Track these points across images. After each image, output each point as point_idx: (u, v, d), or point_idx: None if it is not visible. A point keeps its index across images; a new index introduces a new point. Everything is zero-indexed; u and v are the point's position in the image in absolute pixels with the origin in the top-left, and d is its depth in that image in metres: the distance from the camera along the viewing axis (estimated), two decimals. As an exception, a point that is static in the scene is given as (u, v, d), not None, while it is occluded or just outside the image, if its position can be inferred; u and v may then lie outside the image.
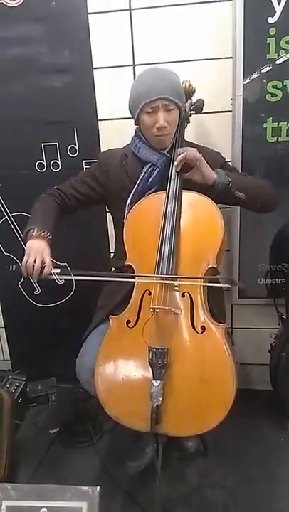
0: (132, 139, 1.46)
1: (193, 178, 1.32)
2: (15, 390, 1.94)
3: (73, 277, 1.30)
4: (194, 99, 1.49)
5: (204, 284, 1.27)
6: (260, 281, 1.85)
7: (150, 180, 1.40)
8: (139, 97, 1.33)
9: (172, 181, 1.33)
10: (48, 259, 1.28)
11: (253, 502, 1.43)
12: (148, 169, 1.40)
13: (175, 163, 1.33)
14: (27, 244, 1.31)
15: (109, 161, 1.47)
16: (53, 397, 2.02)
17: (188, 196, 1.33)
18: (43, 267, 1.26)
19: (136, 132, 1.45)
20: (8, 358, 2.20)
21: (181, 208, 1.32)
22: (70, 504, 1.04)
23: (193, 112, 1.49)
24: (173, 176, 1.34)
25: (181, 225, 1.30)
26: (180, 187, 1.33)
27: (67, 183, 1.51)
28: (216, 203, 1.39)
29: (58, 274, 1.28)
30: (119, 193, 1.43)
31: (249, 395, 1.89)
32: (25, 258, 1.28)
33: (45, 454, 1.69)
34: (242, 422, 1.70)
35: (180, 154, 1.31)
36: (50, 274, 1.27)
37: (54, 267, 1.28)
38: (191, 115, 1.49)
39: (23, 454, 1.69)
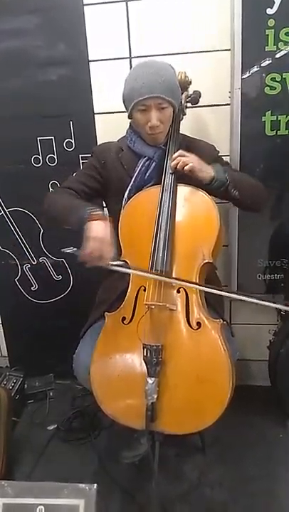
0: (127, 132, 1.44)
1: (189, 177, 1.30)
2: (12, 386, 1.94)
3: (130, 271, 1.22)
4: (191, 90, 1.47)
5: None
6: (259, 276, 1.83)
7: (147, 174, 1.38)
8: (131, 93, 1.30)
9: (167, 175, 1.31)
10: (109, 251, 1.17)
11: (251, 500, 1.43)
12: (145, 163, 1.38)
13: (170, 170, 1.31)
14: (91, 227, 1.17)
15: (106, 154, 1.45)
16: (51, 394, 2.01)
17: (183, 190, 1.31)
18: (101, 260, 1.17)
19: (130, 125, 1.43)
20: (6, 354, 2.20)
21: (176, 202, 1.30)
22: (67, 502, 1.03)
23: (189, 103, 1.46)
24: (168, 170, 1.32)
25: (176, 220, 1.29)
26: (175, 180, 1.31)
27: (71, 180, 1.46)
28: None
29: (113, 265, 1.19)
30: (117, 185, 1.42)
31: (248, 391, 1.88)
32: (88, 244, 1.15)
33: (42, 451, 1.68)
34: (241, 418, 1.70)
35: (173, 161, 1.29)
36: (107, 265, 1.18)
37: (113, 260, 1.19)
38: (187, 107, 1.46)
39: (20, 451, 1.68)
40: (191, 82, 1.47)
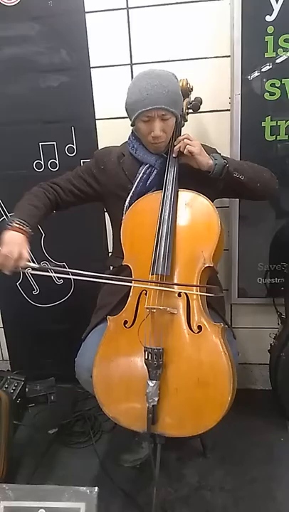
0: (129, 139, 1.45)
1: (189, 163, 1.32)
2: (14, 390, 1.93)
3: (51, 274, 1.24)
4: (192, 97, 1.48)
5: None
6: (260, 280, 1.84)
7: (149, 181, 1.39)
8: (135, 104, 1.30)
9: (168, 181, 1.33)
10: (25, 252, 1.23)
11: (252, 503, 1.43)
12: (146, 170, 1.39)
13: (173, 154, 1.35)
14: (4, 235, 1.26)
15: (106, 159, 1.46)
16: (52, 398, 2.01)
17: (184, 195, 1.33)
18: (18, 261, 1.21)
19: (132, 132, 1.44)
20: (7, 358, 2.20)
21: (177, 207, 1.31)
22: (68, 505, 1.04)
23: (191, 110, 1.48)
24: (169, 176, 1.33)
25: (177, 224, 1.30)
26: (176, 186, 1.32)
27: (64, 177, 1.49)
28: (218, 195, 1.40)
29: (33, 269, 1.24)
30: (117, 191, 1.43)
31: (249, 395, 1.90)
32: (1, 248, 1.22)
33: (43, 455, 1.68)
34: (242, 421, 1.71)
35: (178, 143, 1.32)
36: (25, 268, 1.22)
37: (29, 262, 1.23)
38: (188, 114, 1.47)
39: (21, 455, 1.68)
40: (192, 89, 1.48)
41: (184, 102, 1.44)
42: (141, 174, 1.39)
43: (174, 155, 1.35)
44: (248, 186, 1.36)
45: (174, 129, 1.38)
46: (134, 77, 1.37)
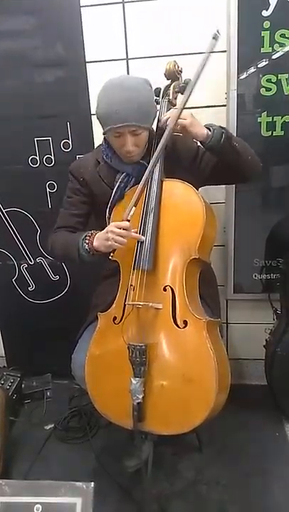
0: (102, 146, 1.40)
1: (183, 137, 1.27)
2: (10, 386, 1.94)
3: None
4: (182, 78, 1.40)
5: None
6: (255, 276, 1.85)
7: (127, 189, 1.36)
8: (104, 118, 1.25)
9: (153, 175, 1.28)
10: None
11: (248, 497, 1.43)
12: (124, 179, 1.35)
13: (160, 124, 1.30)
14: (96, 245, 1.28)
15: (83, 169, 1.42)
16: (48, 394, 2.02)
17: (168, 184, 1.29)
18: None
19: (105, 139, 1.38)
20: (3, 354, 2.20)
21: (160, 198, 1.27)
22: (64, 500, 1.04)
23: (179, 94, 1.39)
24: (154, 171, 1.28)
25: (160, 216, 1.26)
26: (161, 175, 1.29)
27: (63, 216, 1.46)
28: (204, 182, 1.38)
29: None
30: (102, 197, 1.40)
31: (244, 390, 1.91)
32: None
33: (40, 450, 1.69)
34: (237, 416, 1.72)
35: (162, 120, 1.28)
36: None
37: None
38: (176, 98, 1.39)
39: (18, 451, 1.69)
40: (181, 71, 1.41)
41: (172, 86, 1.38)
42: (118, 183, 1.35)
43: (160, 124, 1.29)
44: (243, 158, 1.29)
45: (152, 134, 1.33)
46: (104, 84, 1.28)
